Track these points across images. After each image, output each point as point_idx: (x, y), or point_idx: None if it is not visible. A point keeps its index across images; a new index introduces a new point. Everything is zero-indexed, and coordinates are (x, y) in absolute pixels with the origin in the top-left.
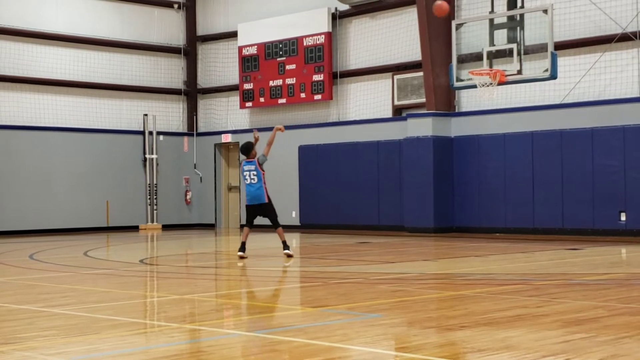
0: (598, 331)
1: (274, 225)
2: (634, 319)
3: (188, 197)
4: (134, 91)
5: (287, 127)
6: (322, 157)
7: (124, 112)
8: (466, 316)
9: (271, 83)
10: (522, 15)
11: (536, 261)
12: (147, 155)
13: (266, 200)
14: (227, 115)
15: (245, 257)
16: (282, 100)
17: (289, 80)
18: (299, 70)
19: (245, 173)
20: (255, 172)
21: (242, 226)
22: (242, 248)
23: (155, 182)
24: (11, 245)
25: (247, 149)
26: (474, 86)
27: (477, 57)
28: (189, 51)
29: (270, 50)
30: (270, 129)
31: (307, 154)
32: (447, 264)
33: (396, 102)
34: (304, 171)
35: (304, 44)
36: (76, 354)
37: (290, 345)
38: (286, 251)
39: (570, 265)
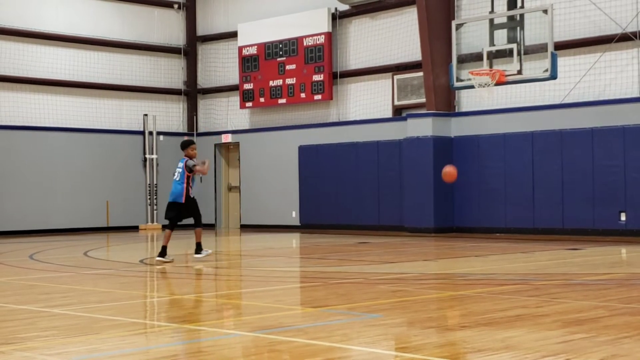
0: (598, 331)
1: (194, 224)
2: (634, 319)
3: None
4: (134, 91)
5: (288, 127)
6: (322, 157)
7: (124, 112)
8: (466, 316)
9: (271, 83)
10: (522, 15)
11: (536, 261)
12: (147, 156)
13: (183, 201)
14: (227, 115)
15: (170, 261)
16: (282, 101)
17: (289, 80)
18: (299, 70)
19: (176, 169)
20: (180, 171)
21: (163, 227)
22: (163, 252)
23: (155, 182)
24: (11, 246)
25: (184, 146)
26: (474, 86)
27: (477, 57)
28: (189, 51)
29: (270, 50)
30: (269, 128)
31: (307, 154)
32: (447, 264)
33: (396, 102)
34: (304, 171)
35: (304, 44)
36: (76, 354)
37: (290, 346)
38: (196, 256)
39: (570, 265)
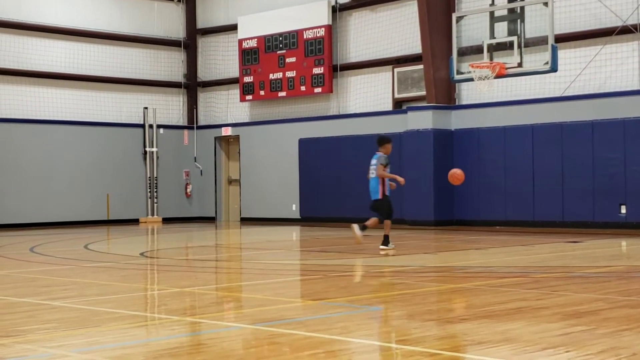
0: (598, 324)
1: (384, 218)
2: (634, 312)
3: (188, 190)
4: (135, 84)
5: (288, 120)
6: (323, 150)
7: (124, 105)
8: (466, 309)
9: (271, 76)
10: (522, 8)
11: (536, 254)
12: (148, 149)
13: (379, 197)
14: (227, 108)
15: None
16: (282, 94)
17: (289, 73)
18: (299, 63)
19: (370, 166)
20: (374, 167)
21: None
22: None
23: (155, 175)
24: (12, 238)
25: (379, 141)
26: (474, 79)
27: (477, 50)
28: (189, 44)
29: (271, 43)
30: (269, 121)
31: (307, 147)
32: (447, 256)
33: (396, 95)
34: (304, 164)
35: (304, 36)
36: (77, 347)
37: (290, 338)
38: (382, 247)
39: (570, 258)
